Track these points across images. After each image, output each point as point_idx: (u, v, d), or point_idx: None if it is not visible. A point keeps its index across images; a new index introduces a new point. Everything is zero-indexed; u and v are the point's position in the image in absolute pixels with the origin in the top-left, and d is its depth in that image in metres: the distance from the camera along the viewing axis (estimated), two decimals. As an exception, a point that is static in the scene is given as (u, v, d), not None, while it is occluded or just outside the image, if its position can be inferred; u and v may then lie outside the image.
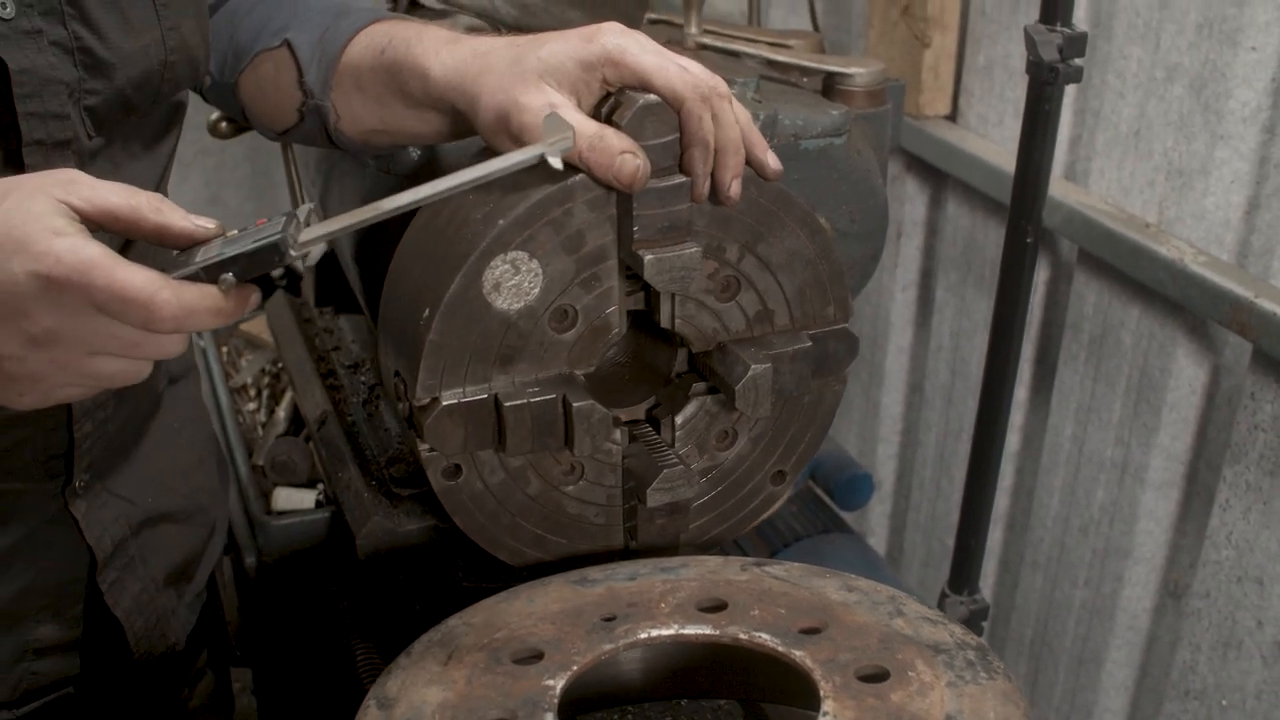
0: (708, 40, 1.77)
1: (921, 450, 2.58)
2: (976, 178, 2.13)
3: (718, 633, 1.06)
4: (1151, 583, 2.01)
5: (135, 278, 0.85)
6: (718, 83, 1.10)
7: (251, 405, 2.03)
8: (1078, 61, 1.44)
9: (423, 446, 1.16)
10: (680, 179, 1.12)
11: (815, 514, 2.47)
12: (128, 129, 1.13)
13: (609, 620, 1.08)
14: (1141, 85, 1.78)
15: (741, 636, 1.05)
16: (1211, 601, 1.83)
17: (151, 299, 0.85)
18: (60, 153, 1.04)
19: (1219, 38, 1.64)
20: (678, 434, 1.23)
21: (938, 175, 2.33)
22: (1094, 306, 1.97)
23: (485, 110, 1.10)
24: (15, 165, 1.03)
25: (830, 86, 1.72)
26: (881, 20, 2.28)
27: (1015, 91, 2.08)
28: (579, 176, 1.09)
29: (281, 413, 1.94)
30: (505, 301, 1.12)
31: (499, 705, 0.97)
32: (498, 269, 1.11)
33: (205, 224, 0.91)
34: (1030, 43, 1.43)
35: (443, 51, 1.14)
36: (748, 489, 1.29)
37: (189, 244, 0.92)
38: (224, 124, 1.71)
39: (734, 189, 1.13)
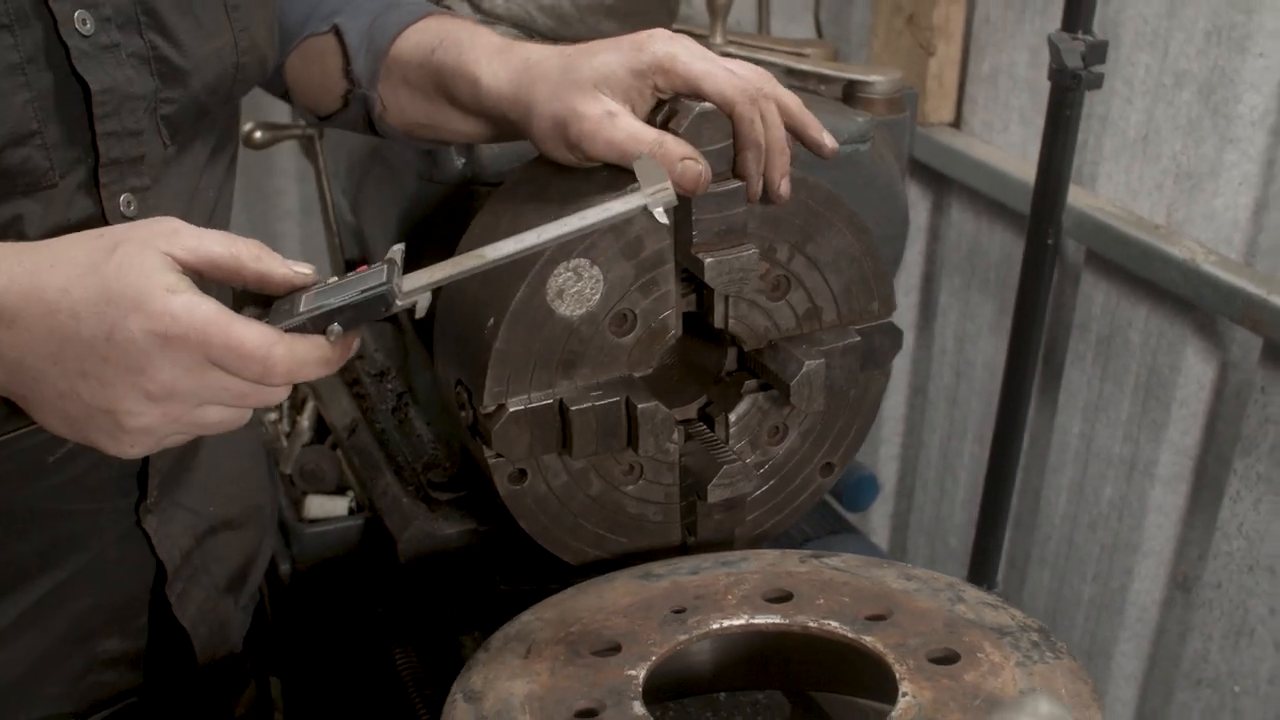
0: (731, 50, 1.81)
1: (925, 452, 2.62)
2: (983, 182, 2.18)
3: (788, 622, 1.09)
4: (1160, 576, 2.06)
5: (250, 334, 0.87)
6: (764, 82, 1.13)
7: (272, 415, 2.04)
8: (1098, 68, 1.49)
9: (489, 453, 1.18)
10: (735, 183, 1.15)
11: (822, 515, 2.51)
12: (197, 135, 1.14)
13: (679, 612, 1.11)
14: (1150, 91, 1.83)
15: (811, 625, 1.08)
16: (1223, 591, 1.88)
17: (268, 354, 0.87)
18: (134, 169, 1.05)
19: (1228, 44, 1.70)
20: (731, 431, 1.26)
21: (941, 181, 2.38)
22: (1102, 307, 2.03)
23: (540, 119, 1.13)
24: (92, 185, 1.03)
25: (850, 94, 1.77)
26: (886, 29, 2.32)
27: (1020, 99, 2.14)
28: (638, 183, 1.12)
29: (305, 421, 1.96)
30: (568, 308, 1.15)
31: (585, 695, 0.99)
32: (561, 276, 1.14)
33: (303, 270, 0.93)
34: (1054, 50, 1.48)
35: (494, 61, 1.17)
36: (798, 482, 1.33)
37: (288, 291, 0.93)
38: (257, 134, 1.74)
39: (783, 188, 1.16)
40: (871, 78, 1.75)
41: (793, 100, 1.15)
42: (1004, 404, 1.74)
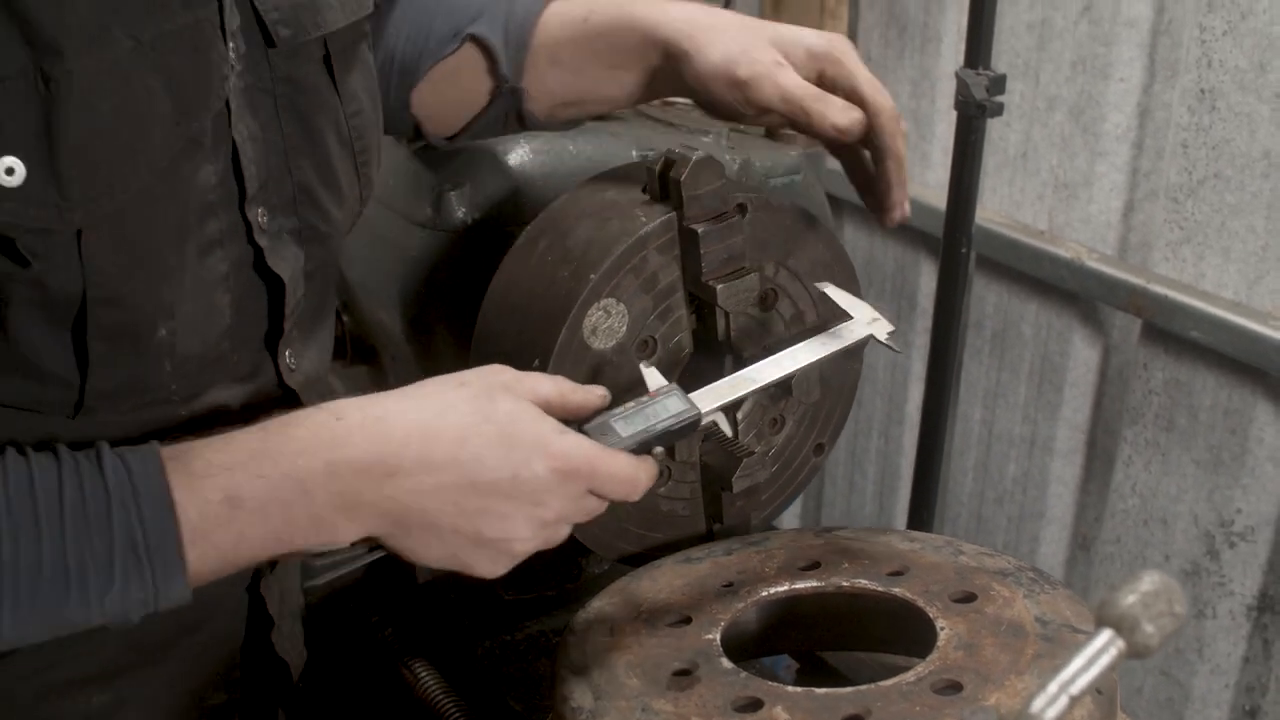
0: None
1: (833, 451, 2.85)
2: (876, 202, 2.42)
3: (824, 583, 1.27)
4: (1064, 539, 2.33)
5: (622, 462, 1.03)
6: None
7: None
8: (999, 98, 1.74)
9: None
10: (732, 217, 1.33)
11: (746, 518, 2.72)
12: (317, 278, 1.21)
13: (729, 586, 1.28)
14: (1026, 114, 2.11)
15: (845, 584, 1.27)
16: (1122, 545, 2.15)
17: (635, 477, 1.04)
18: (297, 337, 1.12)
19: (1092, 72, 1.98)
20: (740, 427, 1.44)
21: (833, 203, 2.62)
22: (994, 306, 2.29)
23: (709, 56, 1.21)
24: (267, 354, 1.10)
25: (773, 133, 1.98)
26: (774, 70, 2.55)
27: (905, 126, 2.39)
28: (650, 227, 1.29)
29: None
30: (601, 342, 1.31)
31: (676, 659, 1.15)
32: (593, 316, 1.29)
33: (602, 393, 1.09)
34: (962, 85, 1.72)
35: (669, 7, 1.27)
36: (795, 464, 1.52)
37: (591, 415, 1.08)
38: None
39: (903, 209, 1.28)
40: (793, 116, 1.96)
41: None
42: (929, 395, 1.97)
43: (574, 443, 1.01)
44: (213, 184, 1.01)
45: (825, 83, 1.23)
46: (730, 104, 1.25)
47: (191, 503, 0.92)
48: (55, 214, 0.88)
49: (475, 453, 0.98)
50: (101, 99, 0.89)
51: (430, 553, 1.01)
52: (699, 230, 1.28)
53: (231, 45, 1.02)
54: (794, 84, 1.19)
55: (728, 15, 1.26)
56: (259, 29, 1.06)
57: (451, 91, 1.36)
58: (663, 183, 1.29)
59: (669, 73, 1.28)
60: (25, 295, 0.91)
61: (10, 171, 0.86)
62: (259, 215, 1.06)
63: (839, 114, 1.19)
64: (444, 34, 1.36)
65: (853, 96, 1.22)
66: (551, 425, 1.02)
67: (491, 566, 1.03)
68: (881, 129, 1.22)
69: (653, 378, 1.13)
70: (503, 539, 1.01)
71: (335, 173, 1.15)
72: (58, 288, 0.91)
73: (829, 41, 1.23)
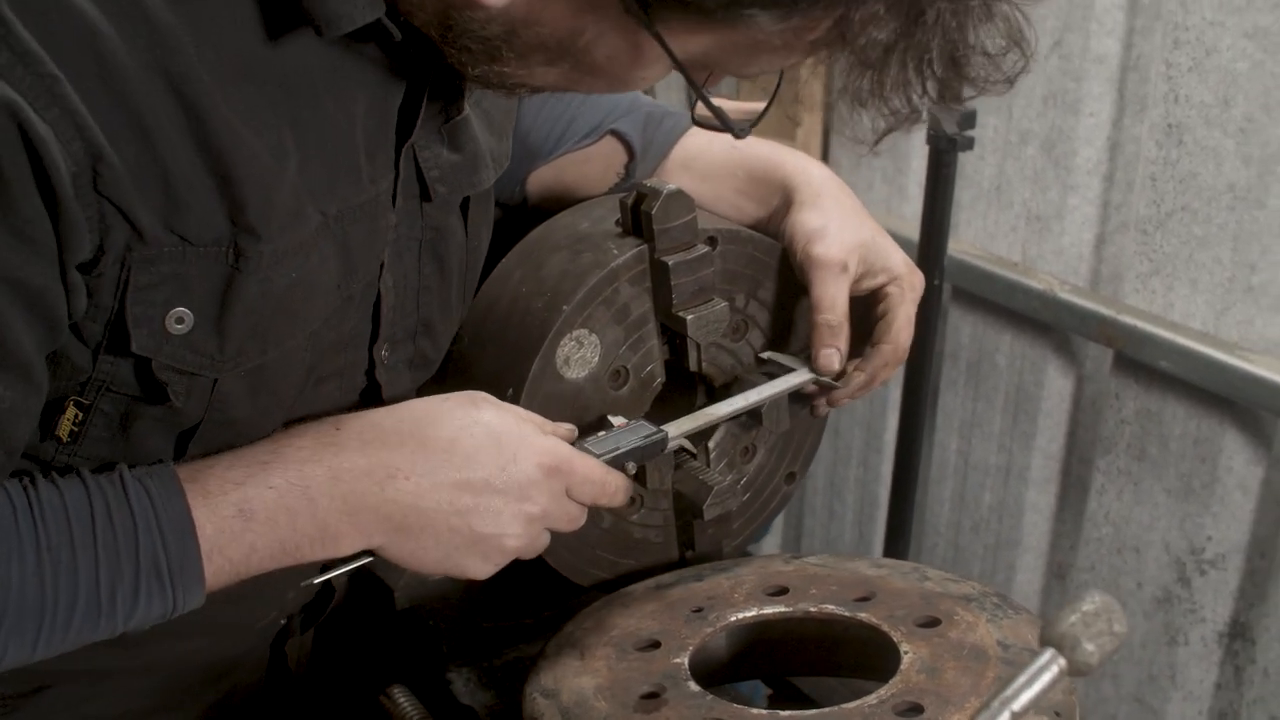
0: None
1: (811, 480, 2.88)
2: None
3: (792, 609, 1.29)
4: (1039, 567, 2.35)
5: (594, 464, 1.12)
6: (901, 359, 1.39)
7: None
8: (970, 133, 1.77)
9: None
10: (702, 249, 1.36)
11: (727, 547, 2.73)
12: None
13: (698, 611, 1.30)
14: (999, 149, 2.14)
15: (812, 610, 1.29)
16: (1096, 573, 2.18)
17: (605, 479, 1.12)
18: None
19: (1063, 107, 2.02)
20: (711, 456, 1.47)
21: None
22: (969, 337, 2.32)
23: (810, 217, 1.34)
24: None
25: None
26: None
27: (881, 160, 2.43)
28: (622, 259, 1.31)
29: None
30: (574, 372, 1.33)
31: (645, 682, 1.17)
32: (566, 346, 1.32)
33: (570, 428, 1.17)
34: (933, 119, 1.75)
35: (812, 165, 1.39)
36: (767, 492, 1.54)
37: None
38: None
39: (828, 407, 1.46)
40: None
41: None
42: (904, 426, 2.00)
43: (553, 442, 1.09)
44: (350, 328, 1.08)
45: (879, 297, 1.36)
46: (792, 255, 1.37)
47: (209, 520, 0.96)
48: (208, 363, 0.96)
49: (467, 452, 1.04)
50: (281, 273, 0.97)
51: (427, 556, 1.06)
52: (669, 262, 1.31)
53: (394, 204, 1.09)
54: (829, 299, 1.32)
55: (850, 199, 1.36)
56: (417, 183, 1.12)
57: (574, 174, 1.45)
58: (634, 216, 1.32)
59: (779, 215, 1.38)
60: (154, 414, 0.98)
61: (180, 321, 0.93)
62: (382, 352, 1.13)
63: (831, 354, 1.34)
64: (585, 127, 1.44)
65: (883, 321, 1.36)
66: (533, 428, 1.09)
67: (483, 565, 1.08)
68: (879, 353, 1.36)
69: (618, 420, 1.22)
70: (494, 534, 1.06)
71: (451, 304, 1.23)
72: (184, 414, 0.99)
73: (909, 271, 1.35)
